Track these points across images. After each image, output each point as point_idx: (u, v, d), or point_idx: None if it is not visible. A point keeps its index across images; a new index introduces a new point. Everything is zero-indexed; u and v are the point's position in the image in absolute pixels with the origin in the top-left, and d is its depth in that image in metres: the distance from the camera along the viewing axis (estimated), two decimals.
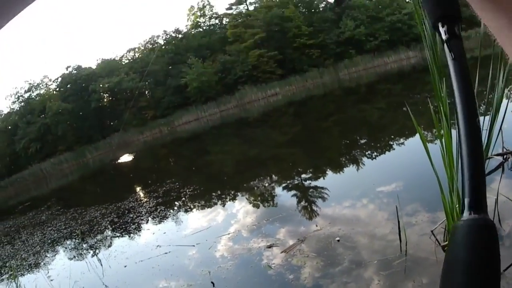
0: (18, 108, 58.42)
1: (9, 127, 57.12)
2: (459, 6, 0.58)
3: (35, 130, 52.90)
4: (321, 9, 59.24)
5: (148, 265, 6.56)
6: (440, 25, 0.58)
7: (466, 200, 0.50)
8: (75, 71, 58.47)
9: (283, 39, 53.96)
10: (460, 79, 0.55)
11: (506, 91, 3.65)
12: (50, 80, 61.12)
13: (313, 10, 59.56)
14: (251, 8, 61.38)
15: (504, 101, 3.95)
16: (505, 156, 6.35)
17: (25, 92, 59.22)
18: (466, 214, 0.49)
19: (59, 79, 59.45)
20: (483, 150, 0.54)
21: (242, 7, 62.17)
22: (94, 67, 61.48)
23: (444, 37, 0.56)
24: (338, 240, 5.29)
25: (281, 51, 53.65)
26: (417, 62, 39.28)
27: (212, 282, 5.20)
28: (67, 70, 59.28)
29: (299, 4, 59.59)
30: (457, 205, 3.51)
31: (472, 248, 0.48)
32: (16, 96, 59.08)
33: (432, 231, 4.67)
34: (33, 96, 58.91)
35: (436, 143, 6.87)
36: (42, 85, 60.51)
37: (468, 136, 0.50)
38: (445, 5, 0.57)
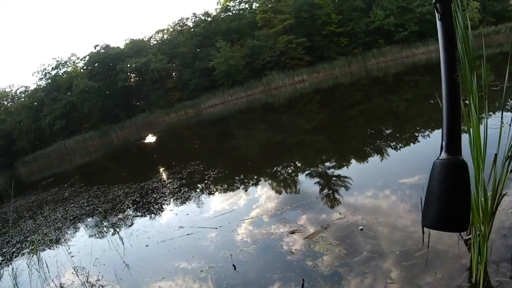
0: (44, 85, 59.32)
1: (35, 103, 58.01)
2: None
3: (61, 107, 53.62)
4: None
5: (170, 245, 6.64)
6: None
7: (444, 143, 0.55)
8: (103, 50, 59.02)
9: (312, 26, 53.70)
10: (444, 38, 0.58)
11: None
12: (78, 58, 61.94)
13: None
14: None
15: None
16: None
17: (53, 69, 60.06)
18: (443, 154, 0.54)
19: (87, 58, 60.08)
20: (460, 102, 0.59)
21: None
22: (122, 47, 61.92)
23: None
24: (361, 229, 5.30)
25: (310, 38, 53.49)
26: None
27: (233, 265, 5.25)
28: (95, 48, 60.02)
29: None
30: (482, 198, 3.50)
31: (445, 181, 0.53)
32: (43, 73, 59.97)
33: None
34: (60, 74, 59.69)
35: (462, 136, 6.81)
36: (70, 63, 61.33)
37: (448, 89, 0.54)
38: None
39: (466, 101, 3.59)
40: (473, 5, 48.93)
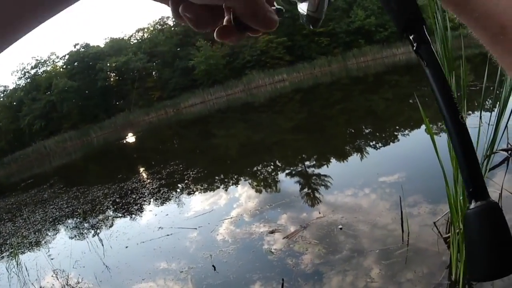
0: (24, 84, 58.39)
1: (14, 103, 57.11)
2: (418, 7, 0.59)
3: (40, 107, 52.88)
4: None
5: (150, 246, 6.60)
6: (406, 35, 0.59)
7: (470, 191, 0.53)
8: (83, 49, 58.35)
9: (292, 26, 53.71)
10: (437, 84, 0.57)
11: None
12: (58, 57, 60.96)
13: None
14: None
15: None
16: (509, 152, 6.36)
17: (32, 68, 59.10)
18: (473, 204, 0.52)
19: (67, 57, 59.29)
20: (473, 144, 0.57)
21: None
22: (102, 45, 61.34)
23: (413, 47, 0.57)
24: (341, 228, 5.32)
25: (291, 37, 53.47)
26: None
27: (213, 266, 5.24)
28: (75, 47, 59.21)
29: None
30: (461, 197, 3.52)
31: (488, 228, 0.52)
32: (23, 72, 59.01)
33: (434, 223, 4.70)
34: (39, 73, 58.79)
35: (440, 136, 6.88)
36: (49, 62, 60.37)
37: (456, 134, 0.53)
38: (407, 13, 0.58)
39: None
40: None
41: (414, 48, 0.55)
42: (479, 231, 0.51)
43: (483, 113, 3.84)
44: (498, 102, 3.68)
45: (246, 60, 52.36)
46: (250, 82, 49.34)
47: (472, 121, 3.96)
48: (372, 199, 6.26)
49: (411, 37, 0.56)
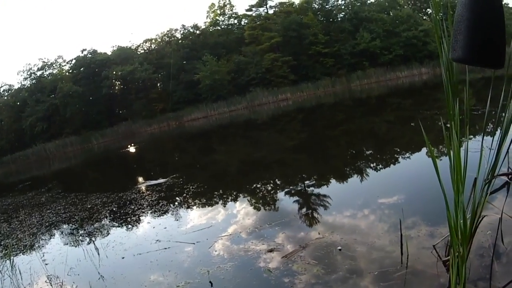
0: (28, 85, 58.63)
1: (18, 103, 57.25)
2: None
3: (43, 109, 52.91)
4: (339, 19, 59.32)
5: (146, 259, 6.55)
6: None
7: None
8: (90, 55, 58.58)
9: (298, 45, 54.06)
10: None
11: None
12: (64, 61, 61.35)
13: (331, 20, 59.67)
14: (271, 11, 61.59)
15: None
16: (510, 176, 6.37)
17: (38, 69, 59.44)
18: None
19: (73, 61, 59.55)
20: None
21: (262, 10, 62.44)
22: (109, 53, 61.59)
23: None
24: (340, 249, 5.30)
25: (296, 57, 53.79)
26: (429, 78, 39.37)
27: (210, 282, 5.21)
28: (82, 53, 59.52)
29: (318, 12, 59.78)
30: (461, 221, 3.53)
31: (476, 6, 0.51)
32: (29, 73, 59.32)
33: (434, 246, 4.69)
34: (45, 75, 59.12)
35: (441, 159, 6.89)
36: (56, 65, 60.76)
37: None
38: None
39: (448, 125, 3.64)
40: None
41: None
42: (473, 8, 0.50)
43: (485, 137, 3.87)
44: (500, 127, 3.70)
45: (250, 77, 52.59)
46: (253, 99, 49.53)
47: (473, 145, 3.99)
48: (371, 221, 6.25)
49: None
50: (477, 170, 3.68)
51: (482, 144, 3.75)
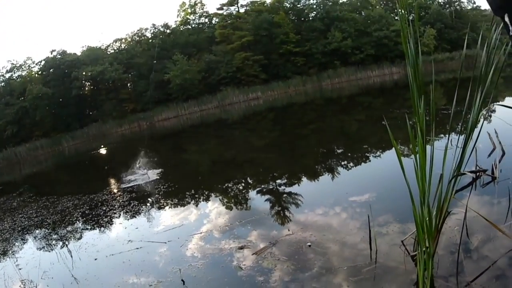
0: None
1: None
2: None
3: (13, 112, 51.71)
4: (310, 18, 59.51)
5: (119, 259, 6.56)
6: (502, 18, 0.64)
7: None
8: (59, 56, 57.39)
9: (269, 44, 54.09)
10: None
11: (482, 112, 3.78)
12: (34, 62, 59.94)
13: (302, 19, 59.79)
14: (242, 10, 61.42)
15: (481, 122, 4.10)
16: (477, 174, 6.53)
17: (7, 72, 58.04)
18: None
19: (43, 62, 58.33)
20: None
21: (233, 9, 62.17)
22: (79, 53, 60.65)
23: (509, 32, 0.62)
24: (309, 246, 5.38)
25: (267, 56, 53.75)
26: (400, 78, 39.82)
27: (182, 280, 5.24)
28: (51, 53, 58.14)
29: (289, 11, 59.80)
30: (427, 218, 3.62)
31: None
32: None
33: (402, 241, 4.79)
34: (14, 77, 57.72)
35: (411, 158, 7.06)
36: (25, 67, 59.27)
37: None
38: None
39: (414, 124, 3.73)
40: (430, 32, 50.44)
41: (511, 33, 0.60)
42: None
43: (454, 136, 3.97)
44: (465, 126, 3.80)
45: (221, 76, 52.39)
46: (224, 98, 49.39)
47: (441, 144, 4.08)
48: (341, 218, 6.34)
49: (507, 20, 0.61)
50: (442, 167, 3.78)
51: (447, 142, 3.86)
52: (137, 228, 8.25)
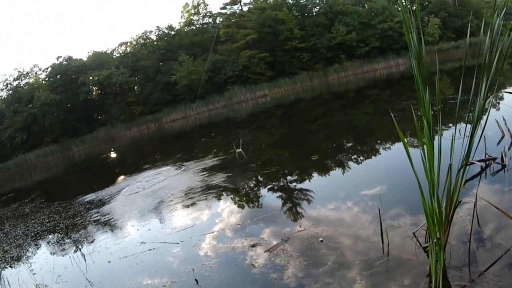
0: (5, 96, 57.58)
1: None
2: None
3: (22, 119, 52.04)
4: (314, 13, 59.38)
5: (132, 261, 6.59)
6: None
7: None
8: (65, 62, 57.78)
9: (274, 41, 54.02)
10: None
11: (490, 99, 3.76)
12: (40, 69, 60.31)
13: (306, 14, 59.70)
14: (245, 8, 61.50)
15: (488, 109, 4.08)
16: (486, 162, 6.50)
17: (14, 80, 58.41)
18: None
19: (49, 69, 58.70)
20: None
21: (236, 7, 62.26)
22: (85, 59, 60.93)
23: None
24: (322, 241, 5.38)
25: (272, 53, 53.71)
26: (406, 69, 39.66)
27: (196, 280, 5.26)
28: (57, 60, 58.69)
29: (293, 8, 59.74)
30: (437, 209, 3.61)
31: None
32: (5, 84, 58.26)
33: (414, 233, 4.79)
34: (21, 85, 58.08)
35: (417, 149, 7.04)
36: (32, 74, 59.70)
37: None
38: None
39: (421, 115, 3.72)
40: (434, 21, 50.31)
41: None
42: None
43: (460, 125, 3.96)
44: (472, 114, 3.79)
45: (227, 75, 52.39)
46: (231, 97, 49.43)
47: (449, 133, 4.07)
48: (352, 212, 6.33)
49: None
50: (449, 157, 3.77)
51: (455, 132, 3.85)
52: (149, 229, 8.28)
